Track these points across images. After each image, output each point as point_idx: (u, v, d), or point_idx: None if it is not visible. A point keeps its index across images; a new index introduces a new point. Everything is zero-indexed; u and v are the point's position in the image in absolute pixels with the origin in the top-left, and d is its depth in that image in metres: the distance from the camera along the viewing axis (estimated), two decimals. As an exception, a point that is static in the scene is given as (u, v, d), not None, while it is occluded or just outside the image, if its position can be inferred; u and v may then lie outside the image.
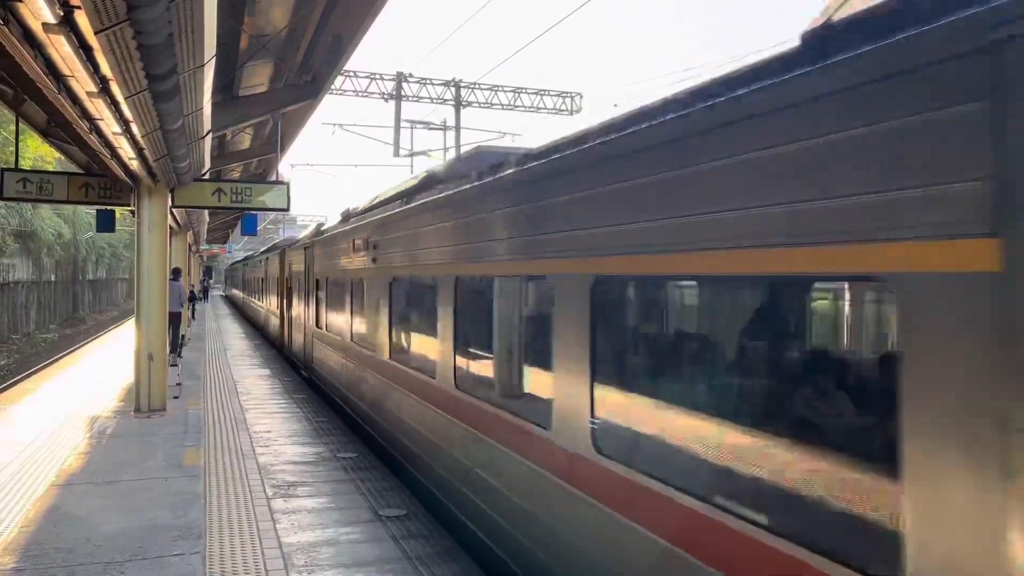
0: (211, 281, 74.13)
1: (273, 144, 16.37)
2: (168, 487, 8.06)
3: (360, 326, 11.38)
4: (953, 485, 2.43)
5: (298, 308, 18.67)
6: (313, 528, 6.88)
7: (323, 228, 16.51)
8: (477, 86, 28.56)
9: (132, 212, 13.38)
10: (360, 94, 26.93)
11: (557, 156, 5.15)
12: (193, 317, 31.93)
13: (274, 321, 24.43)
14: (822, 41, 3.08)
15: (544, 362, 5.22)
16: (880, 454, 2.75)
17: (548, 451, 5.16)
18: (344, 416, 12.69)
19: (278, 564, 6.00)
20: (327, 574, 5.84)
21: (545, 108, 29.27)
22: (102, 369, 18.17)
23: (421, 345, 8.40)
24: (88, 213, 41.03)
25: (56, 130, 11.55)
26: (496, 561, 5.94)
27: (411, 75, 27.70)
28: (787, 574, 3.05)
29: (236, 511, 7.29)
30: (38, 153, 29.93)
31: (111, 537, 6.53)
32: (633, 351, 4.65)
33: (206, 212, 24.73)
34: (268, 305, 26.86)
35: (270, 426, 11.41)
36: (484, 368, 6.70)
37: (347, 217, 13.36)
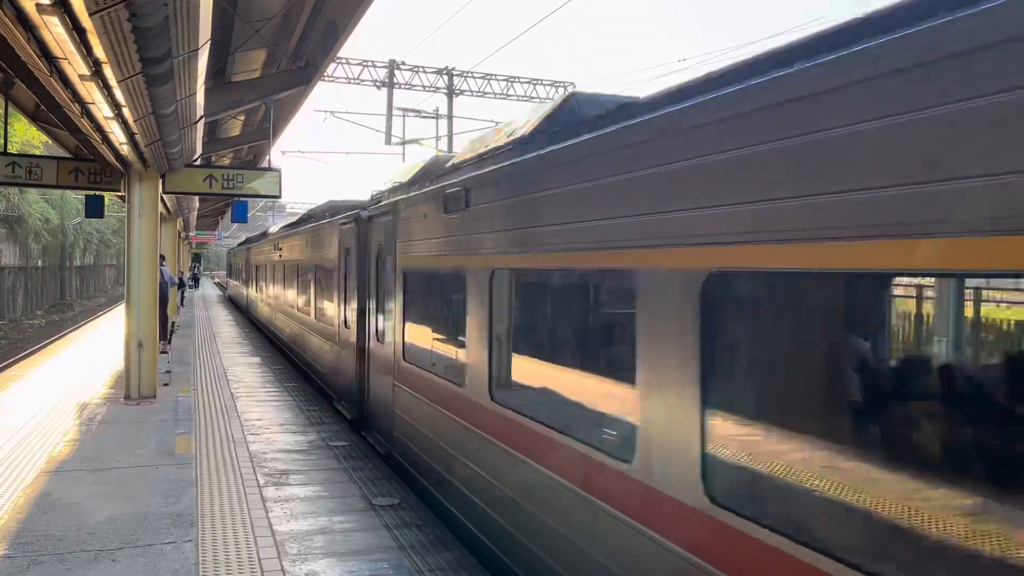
0: (200, 268, 72.77)
1: (264, 130, 16.28)
2: (159, 474, 8.01)
3: None
4: None
5: None
6: (306, 517, 6.85)
7: None
8: (470, 74, 28.45)
9: (122, 198, 13.26)
10: (352, 81, 26.79)
11: None
12: (182, 304, 31.77)
13: None
14: None
15: None
16: None
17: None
18: None
19: (271, 553, 5.98)
20: (320, 563, 5.82)
21: (538, 97, 29.18)
22: (91, 356, 18.06)
23: None
24: (76, 198, 40.69)
25: (46, 114, 11.42)
26: None
27: (404, 63, 27.57)
28: None
29: (228, 499, 7.26)
30: (25, 138, 29.65)
31: (102, 524, 6.49)
32: None
33: (196, 199, 24.58)
34: None
35: (261, 414, 11.37)
36: None
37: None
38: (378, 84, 27.14)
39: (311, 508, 7.09)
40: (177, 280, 23.88)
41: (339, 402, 12.03)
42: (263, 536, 6.33)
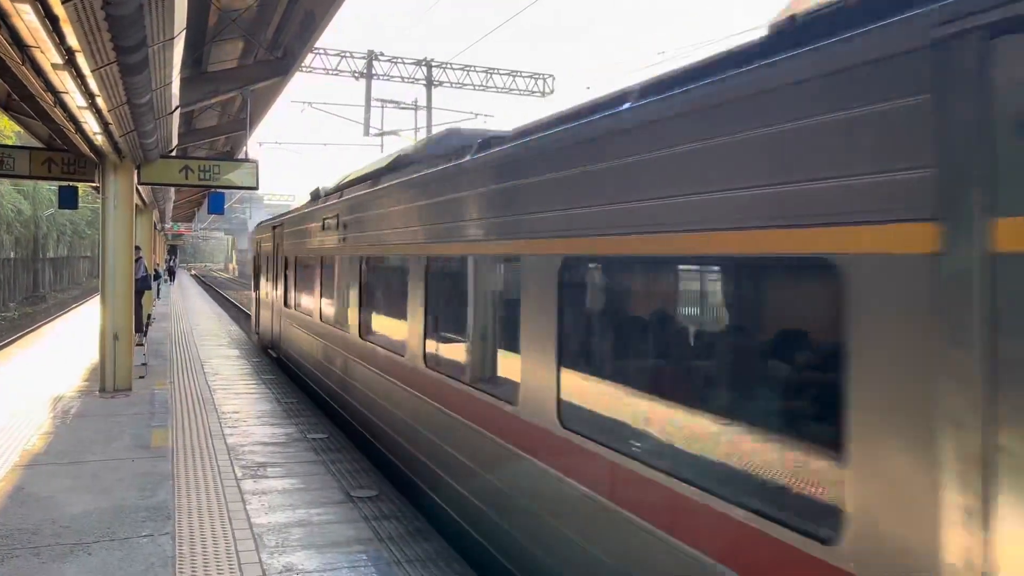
0: (176, 261, 71.57)
1: (241, 121, 16.10)
2: (135, 468, 7.95)
3: None
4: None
5: None
6: (284, 509, 6.83)
7: None
8: (449, 66, 28.36)
9: (96, 189, 13.09)
10: (330, 72, 26.63)
11: None
12: (158, 296, 31.47)
13: None
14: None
15: None
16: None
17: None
18: None
19: (249, 545, 5.96)
20: (299, 555, 5.81)
21: (517, 89, 29.18)
22: (65, 348, 17.85)
23: None
24: (49, 189, 40.09)
25: (18, 103, 11.23)
26: None
27: (382, 54, 27.42)
28: None
29: (205, 492, 7.22)
30: (-3, 127, 29.18)
31: (78, 518, 6.43)
32: None
33: (172, 190, 24.32)
34: None
35: (239, 407, 11.30)
36: None
37: None
38: (356, 75, 26.99)
39: (289, 500, 7.07)
40: (152, 273, 23.60)
41: None
42: (241, 529, 6.31)
